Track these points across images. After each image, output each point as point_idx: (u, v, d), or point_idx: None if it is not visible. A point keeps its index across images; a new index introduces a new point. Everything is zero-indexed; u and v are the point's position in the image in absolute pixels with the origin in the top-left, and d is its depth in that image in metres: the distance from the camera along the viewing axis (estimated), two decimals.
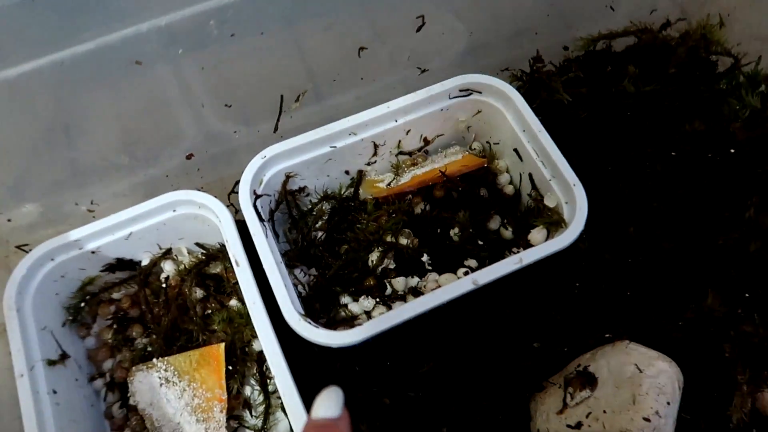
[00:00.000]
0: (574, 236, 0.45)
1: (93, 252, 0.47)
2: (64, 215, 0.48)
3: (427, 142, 0.56)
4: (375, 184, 0.55)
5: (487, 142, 0.56)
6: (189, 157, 0.50)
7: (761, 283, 0.45)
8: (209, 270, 0.50)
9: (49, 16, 0.35)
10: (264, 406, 0.47)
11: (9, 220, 0.46)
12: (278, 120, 0.50)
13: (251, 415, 0.47)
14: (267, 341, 0.42)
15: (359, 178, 0.54)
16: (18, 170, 0.47)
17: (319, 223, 0.53)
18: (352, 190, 0.55)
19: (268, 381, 0.47)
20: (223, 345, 0.46)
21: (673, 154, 0.50)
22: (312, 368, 0.51)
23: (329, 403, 0.30)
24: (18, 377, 0.41)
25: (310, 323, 0.42)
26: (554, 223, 0.48)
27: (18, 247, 0.47)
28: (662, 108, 0.52)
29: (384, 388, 0.49)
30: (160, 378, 0.45)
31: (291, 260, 0.49)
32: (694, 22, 0.57)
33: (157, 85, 0.42)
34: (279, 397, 0.47)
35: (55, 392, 0.42)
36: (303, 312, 0.45)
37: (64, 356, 0.45)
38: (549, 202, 0.49)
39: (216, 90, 0.46)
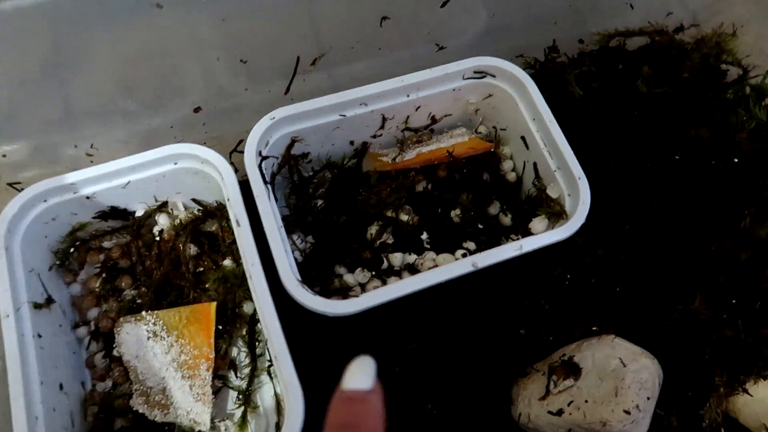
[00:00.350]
0: (574, 229, 0.45)
1: (87, 197, 0.46)
2: (61, 157, 0.46)
3: (434, 120, 0.55)
4: (379, 157, 0.54)
5: (494, 127, 0.56)
6: (197, 110, 0.48)
7: (748, 291, 0.47)
8: (205, 228, 0.50)
9: None
10: (250, 368, 0.46)
11: (4, 156, 0.45)
12: (291, 82, 0.49)
13: (236, 376, 0.47)
14: (264, 303, 0.41)
15: (363, 150, 0.54)
16: (11, 104, 0.45)
17: (320, 190, 0.53)
18: (354, 161, 0.54)
19: (257, 344, 0.47)
20: (214, 304, 0.46)
21: (676, 157, 0.51)
22: (299, 335, 0.51)
23: (362, 374, 0.28)
24: (3, 318, 0.40)
25: (307, 290, 0.42)
26: (556, 213, 0.48)
27: (10, 184, 0.46)
28: (671, 111, 0.53)
29: None
30: (148, 331, 0.45)
31: (289, 225, 0.49)
32: (706, 29, 0.58)
33: (172, 31, 0.41)
34: (265, 361, 0.47)
35: (39, 336, 0.41)
36: (300, 278, 0.44)
37: (49, 300, 0.44)
38: (552, 193, 0.49)
39: (233, 44, 0.44)
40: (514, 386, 0.49)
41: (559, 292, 0.51)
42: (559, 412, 0.44)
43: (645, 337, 0.47)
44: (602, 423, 0.43)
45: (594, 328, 0.49)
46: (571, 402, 0.44)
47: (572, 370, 0.47)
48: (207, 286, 0.46)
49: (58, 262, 0.47)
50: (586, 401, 0.44)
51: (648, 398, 0.44)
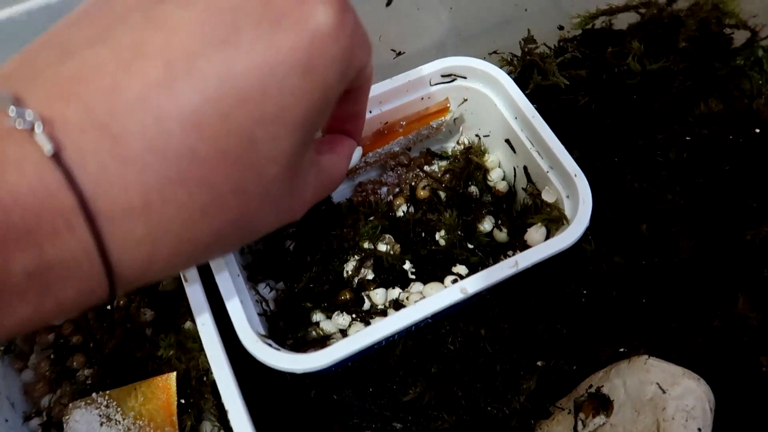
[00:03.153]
0: (577, 234, 0.39)
1: None
2: None
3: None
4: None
5: (476, 135, 0.50)
6: None
7: None
8: (163, 287, 0.44)
9: None
10: None
11: None
12: None
13: None
14: (218, 368, 0.35)
15: None
16: None
17: (290, 230, 0.47)
18: None
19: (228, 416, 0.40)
20: (174, 375, 0.40)
21: (687, 138, 0.44)
22: (283, 399, 0.44)
23: None
24: None
25: (270, 345, 0.36)
26: (554, 219, 0.41)
27: None
28: (672, 88, 0.46)
29: (366, 419, 0.42)
30: (100, 415, 0.39)
31: (254, 273, 0.43)
32: None
33: None
34: None
35: None
36: (265, 333, 0.38)
37: None
38: (547, 197, 0.43)
39: None
40: (537, 430, 0.41)
41: (576, 311, 0.44)
42: None
43: (684, 353, 0.39)
44: None
45: (622, 350, 0.41)
46: None
47: (602, 404, 0.39)
48: (160, 354, 0.40)
49: (2, 348, 0.42)
50: None
51: (699, 429, 0.36)
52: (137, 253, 0.20)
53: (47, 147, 0.18)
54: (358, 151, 0.39)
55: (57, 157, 0.18)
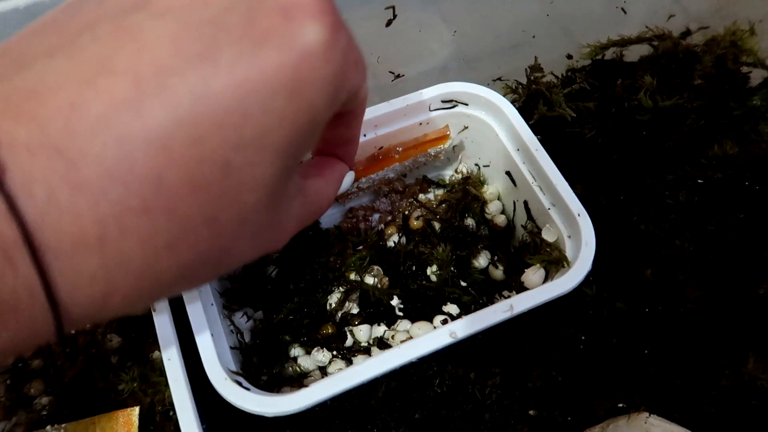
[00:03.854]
0: (578, 278, 0.36)
1: None
2: None
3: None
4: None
5: (476, 165, 0.48)
6: None
7: None
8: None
9: None
10: None
11: None
12: None
13: None
14: (182, 409, 0.32)
15: None
16: None
17: (272, 255, 0.44)
18: None
19: None
20: (137, 409, 0.37)
21: (699, 181, 0.41)
22: None
23: None
24: None
25: (241, 384, 0.33)
26: (554, 261, 0.38)
27: None
28: (685, 127, 0.44)
29: None
30: None
31: (230, 301, 0.40)
32: (720, 30, 0.49)
33: None
34: None
35: None
36: (237, 368, 0.36)
37: None
38: (548, 236, 0.40)
39: None
40: None
41: (574, 358, 0.41)
42: None
43: (687, 413, 0.36)
44: None
45: (621, 405, 0.38)
46: None
47: None
48: (122, 388, 0.37)
49: None
50: None
51: None
52: (90, 290, 0.18)
53: None
54: (350, 176, 0.37)
55: None
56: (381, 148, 0.44)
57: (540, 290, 0.36)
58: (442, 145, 0.45)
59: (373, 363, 0.33)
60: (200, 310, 0.35)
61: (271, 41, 0.19)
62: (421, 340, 0.34)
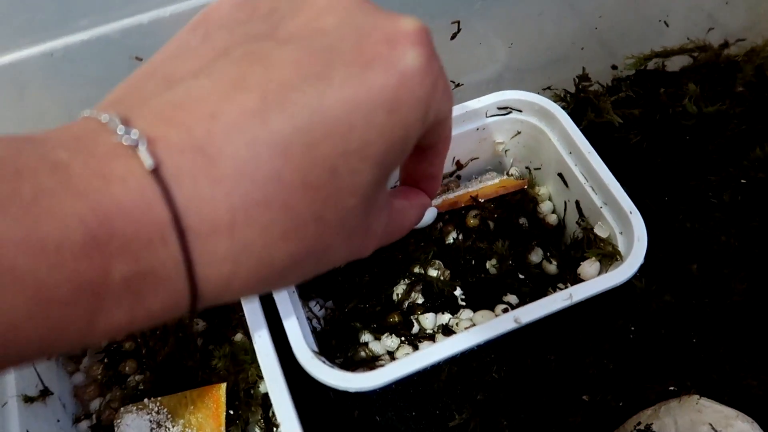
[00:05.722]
0: (632, 271, 0.39)
1: None
2: None
3: (460, 165, 0.51)
4: None
5: (527, 168, 0.51)
6: None
7: None
8: None
9: (40, 2, 0.31)
10: None
11: None
12: None
13: None
14: (273, 381, 0.36)
15: None
16: None
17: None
18: None
19: (275, 429, 0.41)
20: (224, 385, 0.40)
21: (742, 181, 0.44)
22: (325, 416, 0.45)
23: None
24: None
25: (324, 362, 0.37)
26: (607, 255, 0.41)
27: None
28: (727, 131, 0.47)
29: None
30: (151, 421, 0.40)
31: (305, 291, 0.44)
32: (756, 41, 0.52)
33: None
34: None
35: None
36: (317, 349, 0.39)
37: (45, 392, 0.40)
38: (600, 233, 0.43)
39: None
40: None
41: (624, 347, 0.44)
42: None
43: (737, 396, 0.39)
44: None
45: (672, 388, 0.41)
46: None
47: None
48: (214, 363, 0.41)
49: None
50: None
51: None
52: (219, 270, 0.21)
53: (148, 162, 0.19)
54: (431, 212, 0.39)
55: (156, 172, 0.19)
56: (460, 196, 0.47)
57: (596, 281, 0.39)
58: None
59: (442, 346, 0.36)
60: (286, 297, 0.39)
61: (376, 65, 0.22)
62: (488, 325, 0.37)
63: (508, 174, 0.52)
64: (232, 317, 0.44)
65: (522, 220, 0.48)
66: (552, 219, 0.49)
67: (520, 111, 0.48)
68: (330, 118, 0.21)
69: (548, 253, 0.47)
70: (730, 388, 0.39)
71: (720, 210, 0.44)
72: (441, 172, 0.34)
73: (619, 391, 0.42)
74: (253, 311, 0.38)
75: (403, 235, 0.33)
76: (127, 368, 0.43)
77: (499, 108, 0.47)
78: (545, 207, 0.49)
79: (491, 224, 0.48)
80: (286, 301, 0.38)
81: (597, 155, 0.43)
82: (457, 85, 0.49)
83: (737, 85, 0.46)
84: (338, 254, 0.26)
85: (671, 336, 0.43)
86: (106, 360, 0.43)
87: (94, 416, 0.42)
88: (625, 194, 0.42)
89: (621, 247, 0.42)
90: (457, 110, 0.46)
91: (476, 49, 0.46)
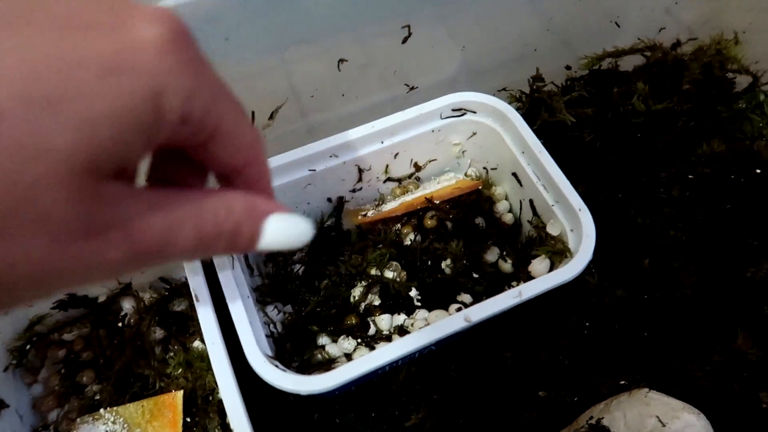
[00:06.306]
0: (581, 267, 0.39)
1: None
2: None
3: (418, 167, 0.51)
4: (359, 213, 0.50)
5: (484, 168, 0.52)
6: None
7: None
8: (173, 307, 0.45)
9: None
10: None
11: None
12: None
13: None
14: (226, 387, 0.36)
15: (340, 206, 0.49)
16: None
17: (298, 255, 0.48)
18: (333, 219, 0.50)
19: None
20: (180, 393, 0.40)
21: (690, 177, 0.45)
22: (285, 420, 0.45)
23: None
24: None
25: (277, 366, 0.37)
26: (558, 252, 0.42)
27: None
28: (676, 128, 0.48)
29: None
30: (107, 431, 0.40)
31: (263, 295, 0.44)
32: (707, 40, 0.53)
33: None
34: None
35: None
36: (272, 354, 0.39)
37: (1, 405, 0.40)
38: (552, 230, 0.44)
39: None
40: None
41: (579, 343, 0.45)
42: None
43: (684, 387, 0.40)
44: None
45: (622, 382, 0.42)
46: None
47: None
48: (169, 372, 0.41)
49: (15, 362, 0.43)
50: None
51: None
52: None
53: None
54: (296, 224, 0.25)
55: None
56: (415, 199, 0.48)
57: (546, 278, 0.39)
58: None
59: (397, 345, 0.37)
60: (239, 301, 0.39)
61: (94, 29, 0.19)
62: (439, 324, 0.38)
63: (466, 175, 0.52)
64: (190, 324, 0.44)
65: (479, 220, 0.49)
66: (508, 218, 0.49)
67: (475, 112, 0.48)
68: (17, 61, 0.17)
69: (504, 252, 0.47)
70: (677, 380, 0.40)
71: (669, 205, 0.45)
72: (257, 160, 0.25)
73: (573, 386, 0.43)
74: (206, 317, 0.39)
75: (170, 256, 0.22)
76: (84, 378, 0.43)
77: (454, 110, 0.48)
78: (501, 206, 0.50)
79: (449, 225, 0.49)
80: (239, 306, 0.39)
81: (548, 154, 0.44)
82: (412, 89, 0.49)
83: (684, 83, 0.47)
84: (34, 255, 0.18)
85: (623, 330, 0.44)
86: (63, 370, 0.43)
87: (51, 428, 0.42)
88: (574, 192, 0.42)
89: (571, 245, 0.42)
90: (412, 112, 0.47)
91: (429, 53, 0.47)
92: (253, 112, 0.42)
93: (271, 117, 0.43)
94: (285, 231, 0.25)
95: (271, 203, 0.25)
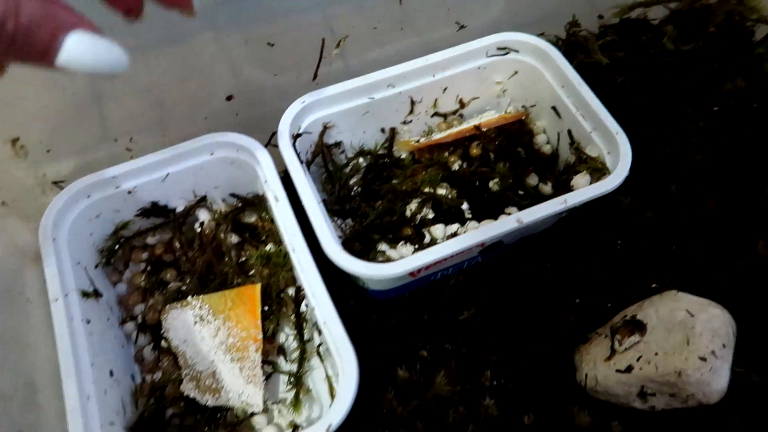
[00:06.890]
0: (619, 179, 0.44)
1: (129, 192, 0.46)
2: (102, 153, 0.48)
3: (462, 104, 0.56)
4: (410, 142, 0.54)
5: (523, 106, 0.56)
6: (229, 98, 0.50)
7: None
8: (244, 218, 0.50)
9: None
10: (299, 352, 0.45)
11: (48, 151, 0.46)
12: (318, 67, 0.50)
13: (286, 361, 0.46)
14: (308, 270, 0.41)
15: (392, 134, 0.54)
16: (53, 130, 0.47)
17: (355, 178, 0.53)
18: (386, 147, 0.54)
19: (304, 327, 0.46)
20: (259, 285, 0.45)
21: (715, 109, 0.50)
22: (347, 323, 0.49)
23: None
24: (53, 301, 0.40)
25: (350, 255, 0.41)
26: (597, 170, 0.47)
27: (54, 182, 0.47)
28: (702, 69, 0.52)
29: (421, 340, 0.47)
30: (194, 316, 0.44)
31: (328, 210, 0.48)
32: None
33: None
34: (314, 345, 0.46)
35: (88, 322, 0.41)
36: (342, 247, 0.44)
37: (97, 293, 0.44)
38: (590, 153, 0.48)
39: (260, 31, 0.46)
40: (576, 353, 0.46)
41: (612, 258, 0.49)
42: (629, 369, 0.41)
43: (710, 289, 0.44)
44: (677, 373, 0.39)
45: (654, 285, 0.46)
46: (640, 357, 0.42)
47: (636, 327, 0.44)
48: (251, 265, 0.46)
49: (104, 261, 0.47)
50: (656, 354, 0.41)
51: (723, 345, 0.41)
52: None
53: None
54: (106, 49, 0.24)
55: None
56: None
57: (588, 188, 0.44)
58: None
59: (457, 240, 0.42)
60: (314, 201, 0.43)
61: None
62: (494, 223, 0.42)
63: (506, 112, 0.57)
64: (261, 232, 0.49)
65: (520, 150, 0.54)
66: (546, 149, 0.54)
67: (518, 51, 0.53)
68: None
69: (544, 177, 0.52)
70: (704, 283, 0.45)
71: (696, 135, 0.50)
72: None
73: (606, 294, 0.48)
74: (285, 215, 0.43)
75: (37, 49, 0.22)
76: (167, 275, 0.48)
77: (499, 48, 0.53)
78: (540, 138, 0.54)
79: (491, 155, 0.53)
80: (314, 206, 0.43)
81: (587, 86, 0.49)
82: (462, 27, 0.54)
83: (710, 26, 0.52)
84: None
85: (653, 247, 0.49)
86: (148, 268, 0.48)
87: (138, 318, 0.47)
88: (611, 118, 0.47)
89: (609, 164, 0.47)
90: (460, 49, 0.52)
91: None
92: (323, 39, 0.47)
93: (338, 46, 0.48)
94: (91, 51, 0.23)
95: (74, 17, 0.23)
